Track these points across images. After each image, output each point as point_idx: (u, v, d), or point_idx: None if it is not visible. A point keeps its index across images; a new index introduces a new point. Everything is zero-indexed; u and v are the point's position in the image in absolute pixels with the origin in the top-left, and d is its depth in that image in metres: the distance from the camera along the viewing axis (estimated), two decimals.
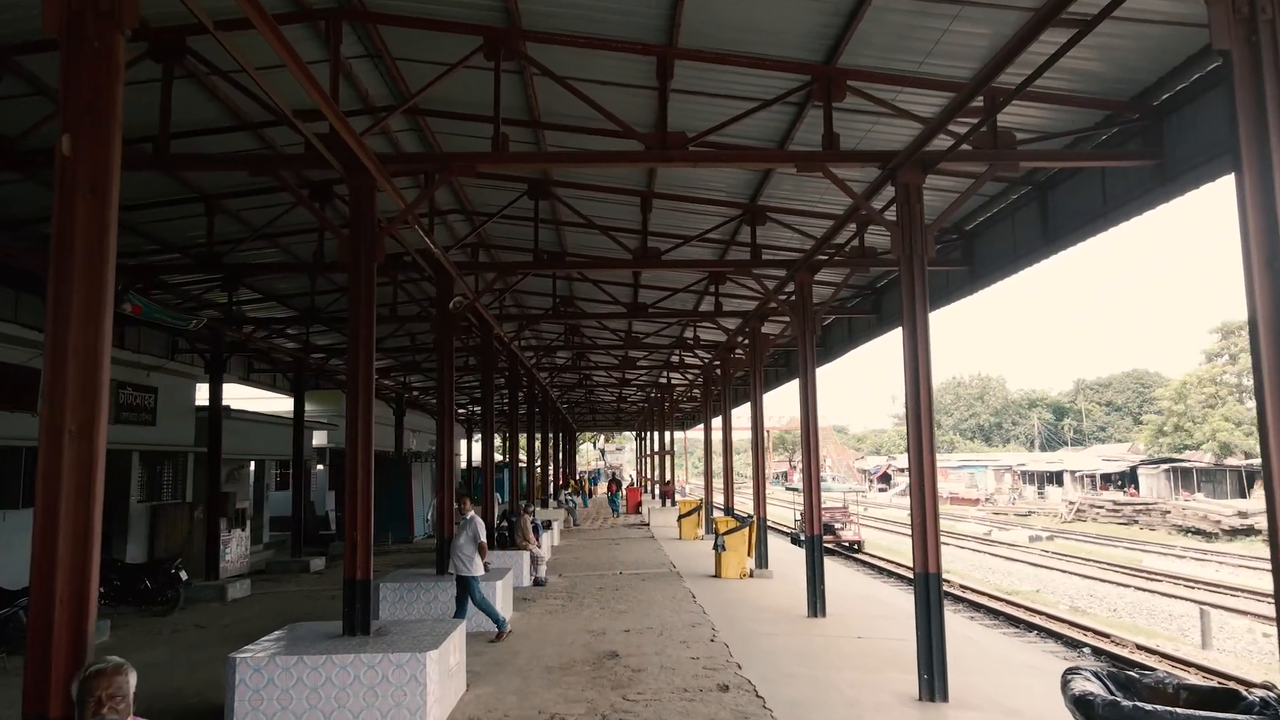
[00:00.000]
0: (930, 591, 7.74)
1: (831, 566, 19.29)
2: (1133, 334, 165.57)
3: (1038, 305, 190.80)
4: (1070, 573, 22.91)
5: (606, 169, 10.34)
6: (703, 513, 24.59)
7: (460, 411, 47.65)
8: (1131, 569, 23.23)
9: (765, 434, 16.65)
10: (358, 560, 7.59)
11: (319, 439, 28.65)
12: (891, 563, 24.41)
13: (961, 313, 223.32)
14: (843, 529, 27.99)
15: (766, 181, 11.34)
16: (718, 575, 15.95)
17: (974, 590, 19.14)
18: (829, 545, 28.01)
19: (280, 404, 27.84)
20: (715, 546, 16.03)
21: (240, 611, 14.03)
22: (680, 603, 13.15)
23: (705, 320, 17.12)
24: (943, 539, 29.11)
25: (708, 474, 25.22)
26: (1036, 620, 15.70)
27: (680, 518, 24.56)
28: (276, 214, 11.90)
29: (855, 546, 27.31)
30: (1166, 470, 48.02)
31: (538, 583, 15.44)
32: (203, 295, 16.37)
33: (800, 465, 16.09)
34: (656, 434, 38.75)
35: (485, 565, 10.42)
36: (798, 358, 24.28)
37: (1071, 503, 41.93)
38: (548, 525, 20.84)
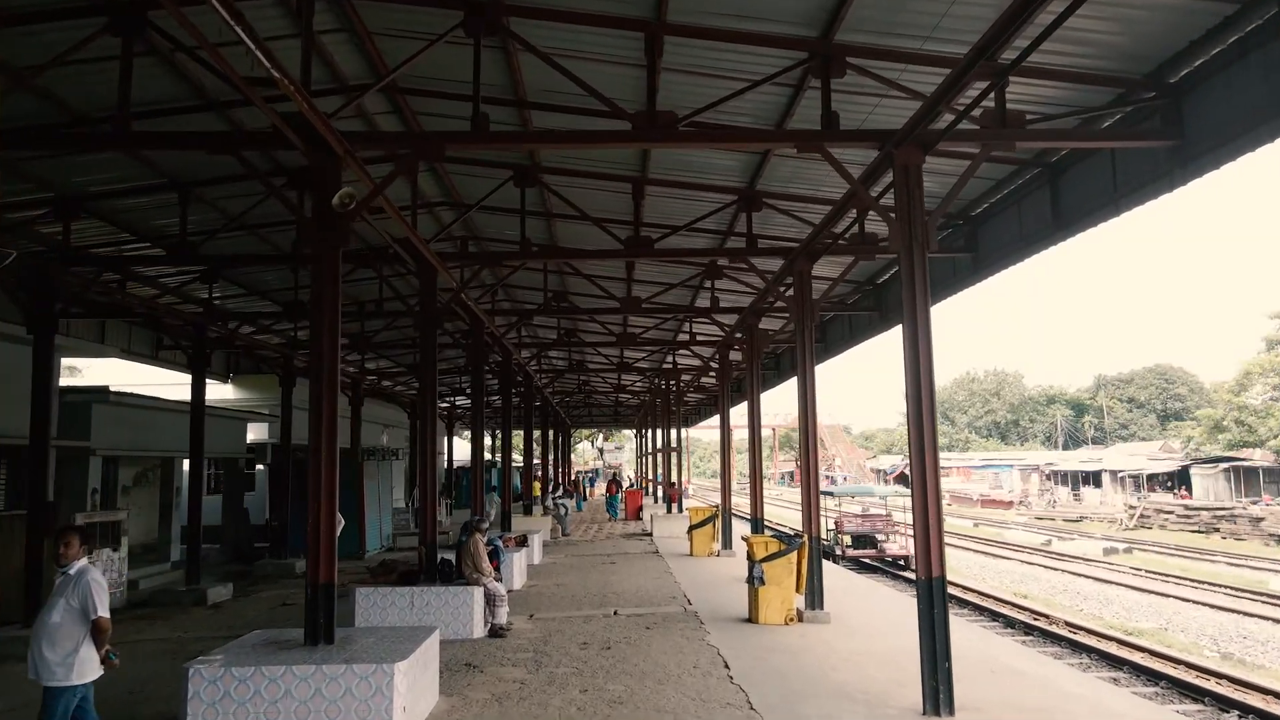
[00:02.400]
0: None
1: (885, 592, 14.53)
2: (1154, 327, 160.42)
3: (1054, 298, 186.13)
4: (1188, 600, 18.11)
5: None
6: (719, 522, 19.86)
7: (442, 405, 42.86)
8: (1263, 595, 18.42)
9: (812, 424, 11.85)
10: None
11: (256, 433, 23.89)
12: (958, 587, 19.56)
13: (972, 305, 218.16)
14: (887, 541, 23.20)
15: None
16: (754, 620, 11.20)
17: (1088, 631, 14.35)
18: (870, 561, 23.25)
19: (210, 391, 23.09)
20: (751, 579, 11.27)
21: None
22: (708, 680, 8.36)
23: (736, 261, 12.41)
24: (997, 550, 23.17)
25: (725, 474, 20.48)
26: (1220, 688, 10.89)
27: (691, 529, 19.81)
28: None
29: (905, 563, 22.51)
30: (1226, 470, 43.20)
31: (495, 633, 10.69)
32: (34, 228, 11.69)
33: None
34: (660, 431, 33.99)
35: (106, 658, 5.62)
36: (839, 329, 19.66)
37: (1132, 507, 37.01)
38: (523, 541, 16.10)
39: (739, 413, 24.81)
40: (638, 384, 34.40)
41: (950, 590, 19.10)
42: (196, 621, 13.07)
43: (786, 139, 8.01)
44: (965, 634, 11.43)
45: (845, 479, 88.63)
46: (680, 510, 27.91)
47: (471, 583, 10.71)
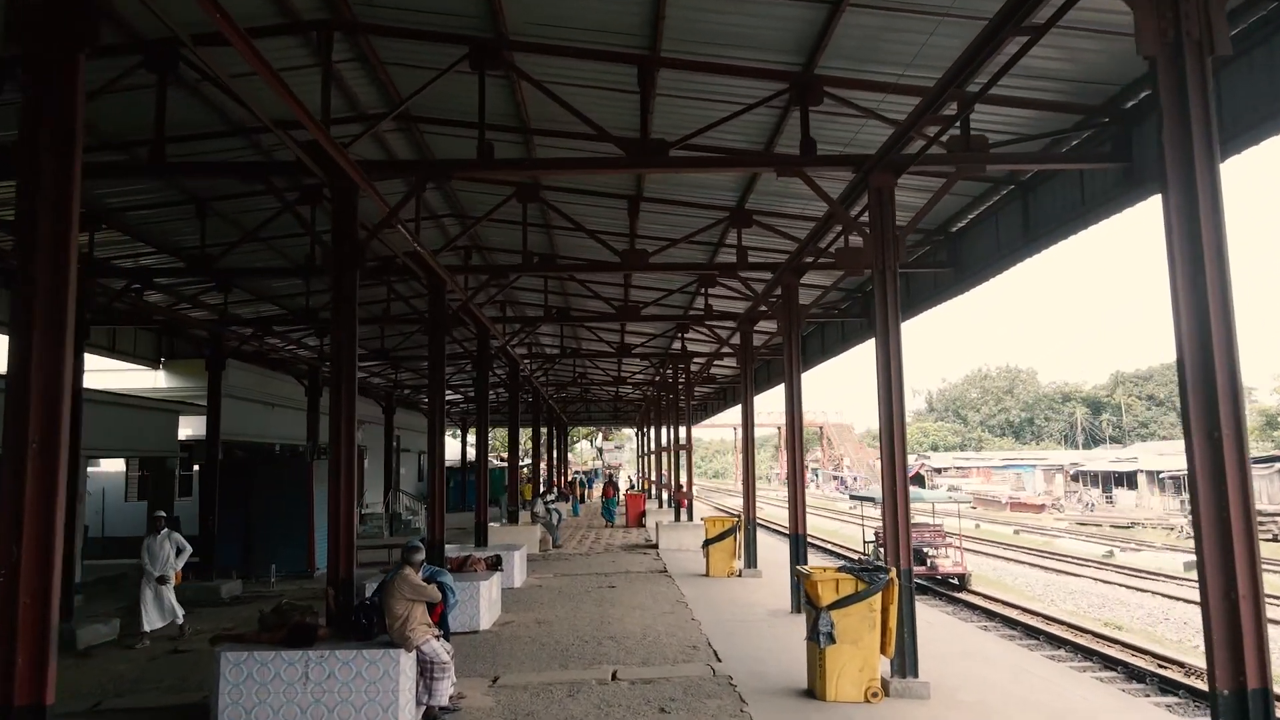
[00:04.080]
0: None
1: (974, 637, 10.10)
2: (1171, 323, 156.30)
3: (1066, 293, 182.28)
4: None
5: None
6: (741, 534, 16.30)
7: (426, 402, 39.18)
8: None
9: (898, 403, 8.24)
10: None
11: (194, 427, 20.25)
12: (1040, 617, 15.86)
13: (979, 302, 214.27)
14: (938, 556, 19.56)
15: None
16: (817, 694, 7.61)
17: None
18: (919, 581, 19.63)
19: (137, 378, 19.62)
20: (815, 634, 7.65)
21: None
22: None
23: (785, 174, 8.64)
24: (1055, 564, 18.00)
25: (748, 475, 16.88)
26: None
27: (707, 543, 16.25)
28: None
29: (960, 582, 18.89)
30: None
31: (432, 718, 7.09)
32: None
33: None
34: (667, 428, 30.34)
35: None
36: (901, 291, 15.88)
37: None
38: (495, 564, 12.53)
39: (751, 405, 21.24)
40: (639, 375, 30.78)
41: (1031, 621, 15.39)
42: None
43: (770, 163, 6.33)
44: (1102, 700, 7.73)
45: (855, 480, 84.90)
46: (690, 517, 24.31)
47: (401, 644, 7.10)
